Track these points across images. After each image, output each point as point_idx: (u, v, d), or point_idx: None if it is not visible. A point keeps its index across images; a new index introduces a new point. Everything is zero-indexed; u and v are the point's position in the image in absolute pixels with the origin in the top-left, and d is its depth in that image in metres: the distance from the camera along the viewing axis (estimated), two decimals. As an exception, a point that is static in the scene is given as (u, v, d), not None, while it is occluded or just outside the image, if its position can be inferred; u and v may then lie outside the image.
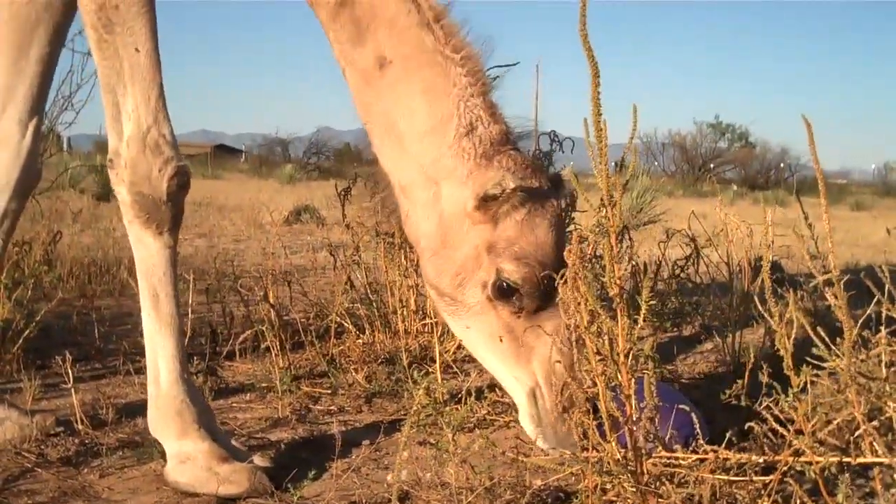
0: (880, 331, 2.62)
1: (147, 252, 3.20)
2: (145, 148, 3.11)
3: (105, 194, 14.95)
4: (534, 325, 3.26)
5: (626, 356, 2.60)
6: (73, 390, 3.67)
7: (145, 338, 3.25)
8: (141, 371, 3.35)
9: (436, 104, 3.35)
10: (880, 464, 2.44)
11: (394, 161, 3.48)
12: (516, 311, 3.26)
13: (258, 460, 3.27)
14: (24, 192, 3.66)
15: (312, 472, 3.20)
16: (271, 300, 5.02)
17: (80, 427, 3.64)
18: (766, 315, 2.56)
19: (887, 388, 2.51)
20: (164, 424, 3.21)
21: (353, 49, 3.42)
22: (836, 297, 2.35)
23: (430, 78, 3.35)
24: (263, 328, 4.73)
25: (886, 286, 2.74)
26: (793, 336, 2.51)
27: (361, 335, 5.20)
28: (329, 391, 4.42)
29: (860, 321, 2.52)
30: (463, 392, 3.98)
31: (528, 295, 3.23)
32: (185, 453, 3.16)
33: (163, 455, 3.25)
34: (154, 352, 3.22)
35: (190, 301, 5.03)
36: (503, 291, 3.24)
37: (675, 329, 6.19)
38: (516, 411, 3.40)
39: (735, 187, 43.43)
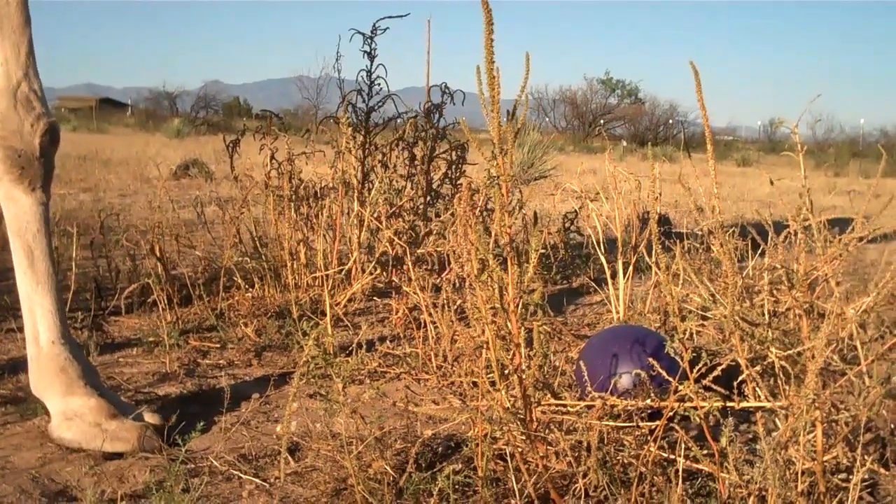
0: (763, 279, 2.69)
1: (19, 209, 3.12)
2: (16, 103, 3.04)
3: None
4: None
5: (516, 305, 2.61)
6: (-51, 347, 3.55)
7: (21, 297, 3.16)
8: (22, 328, 3.25)
9: None
10: (762, 408, 2.50)
11: None
12: None
13: (148, 417, 3.20)
14: None
15: (201, 426, 3.15)
16: (158, 254, 4.92)
17: (-41, 384, 3.53)
18: (653, 265, 2.60)
19: (769, 334, 2.57)
20: (47, 383, 3.12)
21: None
22: (720, 245, 2.39)
23: None
24: (150, 282, 4.64)
25: (770, 235, 2.81)
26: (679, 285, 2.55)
27: (251, 289, 5.15)
28: (218, 345, 4.36)
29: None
30: (354, 345, 3.96)
31: None
32: (72, 410, 3.08)
33: (47, 412, 3.16)
34: (32, 311, 3.14)
35: (74, 255, 4.91)
36: None
37: (565, 281, 6.28)
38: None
39: (625, 143, 44.01)
